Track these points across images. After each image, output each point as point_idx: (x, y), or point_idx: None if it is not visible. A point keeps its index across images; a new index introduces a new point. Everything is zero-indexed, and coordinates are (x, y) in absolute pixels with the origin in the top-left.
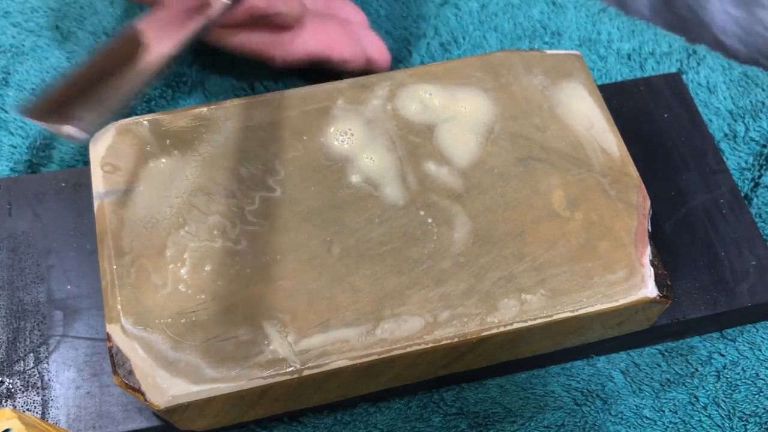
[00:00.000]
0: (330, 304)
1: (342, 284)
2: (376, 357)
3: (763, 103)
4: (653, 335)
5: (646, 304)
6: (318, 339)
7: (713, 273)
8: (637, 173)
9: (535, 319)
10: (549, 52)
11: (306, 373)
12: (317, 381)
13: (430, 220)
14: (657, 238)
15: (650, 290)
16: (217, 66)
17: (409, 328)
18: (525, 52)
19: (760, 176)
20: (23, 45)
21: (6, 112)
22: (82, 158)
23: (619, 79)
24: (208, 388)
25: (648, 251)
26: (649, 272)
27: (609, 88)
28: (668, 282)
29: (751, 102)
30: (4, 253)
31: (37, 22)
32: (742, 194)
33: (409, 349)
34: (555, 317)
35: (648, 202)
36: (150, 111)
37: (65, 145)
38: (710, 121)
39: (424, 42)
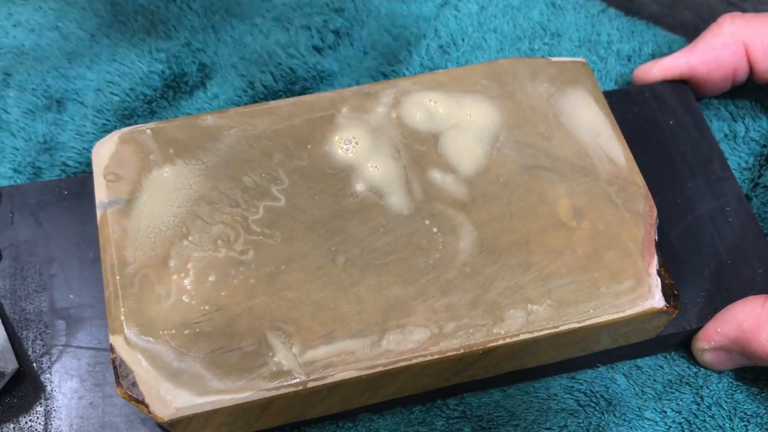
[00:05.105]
0: (335, 314)
1: (347, 295)
2: (381, 368)
3: (763, 103)
4: (659, 344)
5: (653, 314)
6: (323, 350)
7: (720, 281)
8: (644, 182)
9: (541, 330)
10: (554, 59)
11: (311, 384)
12: (322, 392)
13: (435, 230)
14: (663, 246)
15: (657, 300)
16: (217, 66)
17: (415, 340)
18: (530, 59)
19: (759, 176)
20: (23, 45)
21: (8, 113)
22: (86, 161)
23: (620, 80)
24: (213, 400)
25: (655, 261)
26: (656, 282)
27: (614, 95)
28: (675, 292)
29: (751, 102)
30: (6, 262)
31: (38, 22)
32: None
33: (414, 361)
34: (561, 328)
35: (654, 212)
36: (151, 112)
37: (68, 149)
38: (710, 121)
39: (423, 43)
